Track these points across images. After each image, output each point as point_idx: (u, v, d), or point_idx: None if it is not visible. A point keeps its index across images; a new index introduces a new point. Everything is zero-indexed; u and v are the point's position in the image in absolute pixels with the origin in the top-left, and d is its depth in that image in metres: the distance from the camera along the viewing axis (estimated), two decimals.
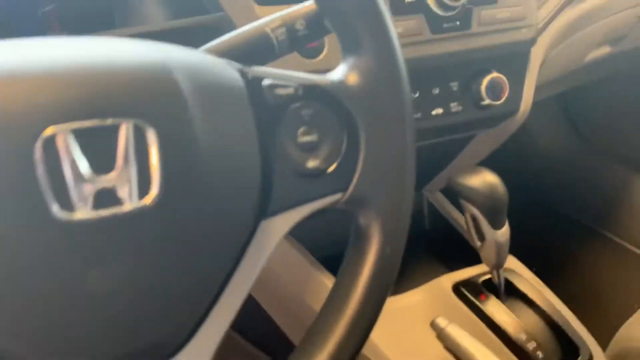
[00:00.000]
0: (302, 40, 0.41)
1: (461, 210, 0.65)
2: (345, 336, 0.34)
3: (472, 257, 0.72)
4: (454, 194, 0.65)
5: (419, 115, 0.64)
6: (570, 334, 0.64)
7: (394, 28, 0.34)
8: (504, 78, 0.64)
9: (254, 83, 0.31)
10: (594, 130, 1.33)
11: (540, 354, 0.60)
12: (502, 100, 0.64)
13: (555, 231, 1.34)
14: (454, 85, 0.65)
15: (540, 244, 1.30)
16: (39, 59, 0.26)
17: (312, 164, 0.32)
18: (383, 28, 0.34)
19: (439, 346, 0.60)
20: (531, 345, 0.61)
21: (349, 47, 0.34)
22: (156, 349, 0.28)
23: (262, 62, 0.41)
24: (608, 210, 1.29)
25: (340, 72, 0.34)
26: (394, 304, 0.67)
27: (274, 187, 0.31)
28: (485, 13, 0.61)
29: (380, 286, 0.35)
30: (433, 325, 0.61)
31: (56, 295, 0.25)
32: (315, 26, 0.39)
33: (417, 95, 0.63)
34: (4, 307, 0.24)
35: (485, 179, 0.62)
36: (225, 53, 0.37)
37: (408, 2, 0.58)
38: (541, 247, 1.28)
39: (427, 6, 0.59)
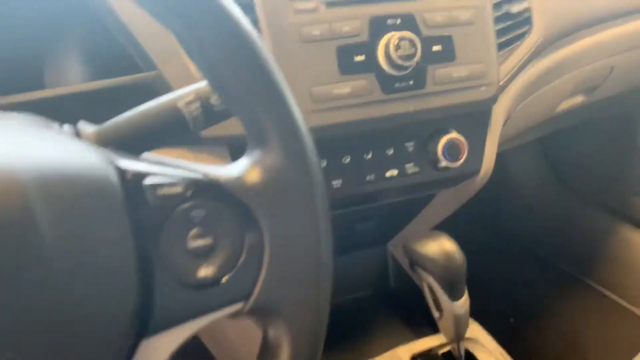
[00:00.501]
0: (219, 116, 0.37)
1: None
2: None
3: None
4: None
5: (372, 177, 0.60)
6: None
7: (301, 116, 0.31)
8: (463, 139, 0.60)
9: (133, 182, 0.27)
10: (575, 175, 1.30)
11: None
12: (461, 162, 0.61)
13: (535, 277, 1.30)
14: (410, 146, 0.61)
15: (520, 290, 1.26)
16: None
17: (204, 272, 0.28)
18: (290, 118, 0.30)
19: None
20: None
21: (253, 139, 0.31)
22: None
23: (175, 140, 0.38)
24: (590, 258, 1.25)
25: (242, 167, 0.30)
26: None
27: (156, 302, 0.27)
28: (441, 71, 0.58)
29: None
30: None
31: None
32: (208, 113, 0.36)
33: (369, 156, 0.60)
34: None
35: (441, 247, 0.58)
36: (125, 132, 0.34)
37: (357, 60, 0.55)
38: (520, 294, 1.24)
39: (377, 65, 0.56)
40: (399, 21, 0.56)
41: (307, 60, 0.53)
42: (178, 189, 0.28)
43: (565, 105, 0.88)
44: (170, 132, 0.37)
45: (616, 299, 1.19)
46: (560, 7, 0.72)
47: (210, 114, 0.37)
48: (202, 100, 0.37)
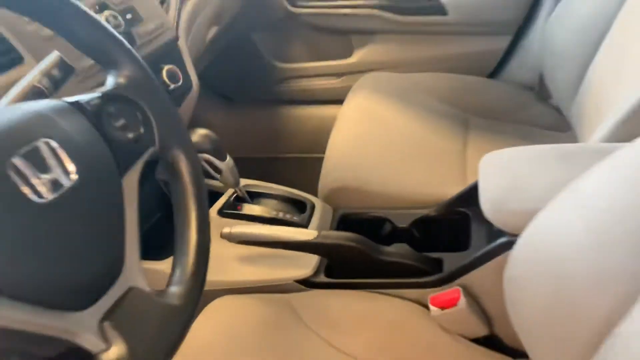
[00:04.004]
0: (61, 82, 0.60)
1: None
2: (200, 235, 0.56)
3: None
4: None
5: None
6: (299, 198, 0.99)
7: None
8: (175, 67, 0.91)
9: (77, 105, 0.50)
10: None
11: (290, 216, 0.93)
12: (180, 82, 0.92)
13: None
14: None
15: None
16: None
17: (130, 136, 0.53)
18: (125, 44, 0.56)
19: (239, 246, 0.86)
20: (283, 214, 0.93)
21: (109, 66, 0.55)
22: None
23: None
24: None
25: (112, 82, 0.55)
26: None
27: (117, 156, 0.51)
28: (139, 30, 0.86)
29: (203, 193, 0.58)
30: (223, 236, 0.86)
31: None
32: (66, 67, 0.59)
33: None
34: None
35: (200, 134, 0.89)
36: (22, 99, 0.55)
37: None
38: None
39: None
40: (97, 7, 0.81)
41: None
42: (98, 101, 0.52)
43: (210, 35, 1.25)
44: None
45: None
46: None
47: (55, 82, 0.59)
48: (47, 75, 0.58)
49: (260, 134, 1.73)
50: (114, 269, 0.48)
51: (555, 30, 1.21)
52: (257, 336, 0.79)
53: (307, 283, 0.87)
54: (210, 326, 0.80)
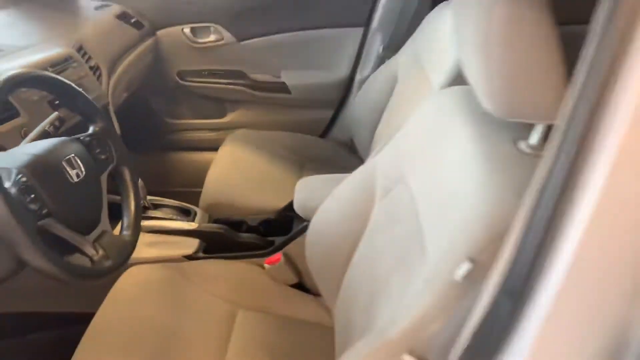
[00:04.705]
0: (59, 128, 1.10)
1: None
2: (136, 208, 1.08)
3: None
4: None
5: None
6: (186, 208, 1.51)
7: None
8: None
9: (78, 139, 1.01)
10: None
11: (180, 217, 1.45)
12: None
13: None
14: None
15: None
16: None
17: (103, 156, 1.04)
18: (96, 107, 1.08)
19: (146, 234, 1.35)
20: (176, 216, 1.45)
21: (89, 121, 1.06)
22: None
23: None
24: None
25: (92, 130, 1.06)
26: None
27: (97, 165, 1.02)
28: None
29: (137, 189, 1.10)
30: None
31: None
32: (62, 119, 1.10)
33: None
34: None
35: None
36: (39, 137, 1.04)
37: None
38: None
39: None
40: None
41: None
42: (88, 138, 1.03)
43: (121, 100, 1.75)
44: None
45: None
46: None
47: (56, 128, 1.09)
48: (53, 124, 1.08)
49: (152, 174, 2.20)
50: (97, 219, 0.98)
51: (358, 108, 1.89)
52: (159, 289, 1.28)
53: (191, 257, 1.39)
54: (128, 284, 1.28)
